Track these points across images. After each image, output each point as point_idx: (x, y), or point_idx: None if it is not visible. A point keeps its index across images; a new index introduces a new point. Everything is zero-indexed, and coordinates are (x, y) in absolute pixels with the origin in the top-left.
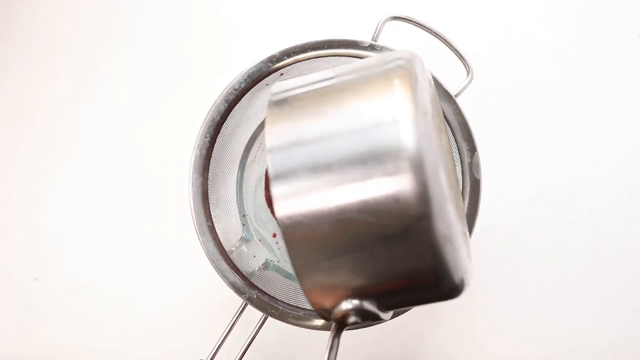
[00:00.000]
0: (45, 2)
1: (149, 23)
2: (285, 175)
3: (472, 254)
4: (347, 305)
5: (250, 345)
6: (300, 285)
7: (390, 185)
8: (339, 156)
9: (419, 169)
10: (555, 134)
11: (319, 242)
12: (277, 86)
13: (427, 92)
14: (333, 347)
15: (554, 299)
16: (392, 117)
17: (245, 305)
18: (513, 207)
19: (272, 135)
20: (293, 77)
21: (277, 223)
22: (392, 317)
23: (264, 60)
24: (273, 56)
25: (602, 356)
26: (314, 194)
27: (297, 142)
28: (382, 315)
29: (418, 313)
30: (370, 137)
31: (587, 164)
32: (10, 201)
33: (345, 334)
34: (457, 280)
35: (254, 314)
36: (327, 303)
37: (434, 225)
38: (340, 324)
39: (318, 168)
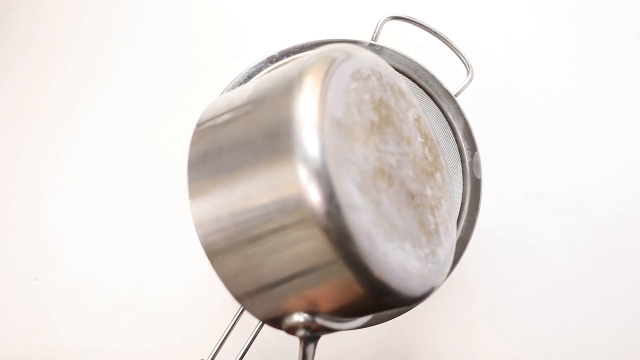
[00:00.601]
0: (45, 2)
1: (149, 24)
2: (200, 193)
3: (442, 254)
4: (298, 318)
5: (251, 346)
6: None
7: (283, 197)
8: (244, 171)
9: (311, 178)
10: (555, 134)
11: (242, 263)
12: (206, 110)
13: (338, 91)
14: (307, 356)
15: (554, 299)
16: (283, 127)
17: None
18: (513, 207)
19: (190, 153)
20: (226, 93)
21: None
22: (380, 322)
23: (263, 60)
24: (272, 56)
25: (602, 356)
26: (226, 209)
27: (208, 161)
28: (336, 326)
29: (417, 313)
30: (269, 152)
31: (588, 164)
32: (11, 201)
33: (345, 334)
34: (399, 289)
35: None
36: (269, 319)
37: (333, 237)
38: (303, 336)
39: (226, 184)
